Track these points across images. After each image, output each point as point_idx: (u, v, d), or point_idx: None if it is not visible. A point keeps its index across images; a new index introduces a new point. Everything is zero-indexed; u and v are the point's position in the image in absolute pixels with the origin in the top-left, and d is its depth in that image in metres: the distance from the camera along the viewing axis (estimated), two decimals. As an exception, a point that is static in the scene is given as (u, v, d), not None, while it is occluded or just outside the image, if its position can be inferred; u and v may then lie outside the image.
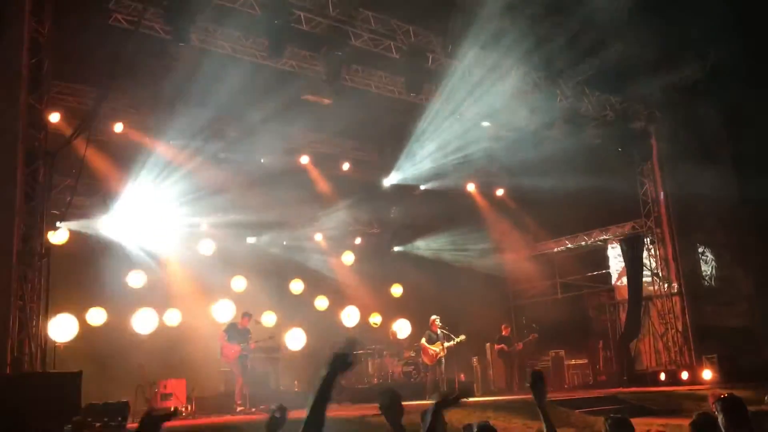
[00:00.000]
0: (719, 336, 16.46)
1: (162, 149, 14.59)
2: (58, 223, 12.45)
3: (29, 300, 9.84)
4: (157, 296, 15.31)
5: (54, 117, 12.04)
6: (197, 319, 15.51)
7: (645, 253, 17.57)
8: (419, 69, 13.74)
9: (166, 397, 13.03)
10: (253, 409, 12.69)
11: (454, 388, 14.44)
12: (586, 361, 17.79)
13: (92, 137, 12.18)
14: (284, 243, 17.67)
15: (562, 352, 17.92)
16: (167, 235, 15.66)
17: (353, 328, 17.76)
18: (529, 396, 3.83)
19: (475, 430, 3.47)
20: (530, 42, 13.59)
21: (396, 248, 19.95)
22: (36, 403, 8.59)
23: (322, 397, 2.71)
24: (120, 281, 15.02)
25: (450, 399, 3.34)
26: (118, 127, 14.04)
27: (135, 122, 14.38)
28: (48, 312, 10.44)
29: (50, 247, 10.67)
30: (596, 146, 16.71)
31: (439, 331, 14.38)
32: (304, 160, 17.09)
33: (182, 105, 13.94)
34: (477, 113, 15.48)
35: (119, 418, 9.22)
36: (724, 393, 4.43)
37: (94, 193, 14.99)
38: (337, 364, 2.75)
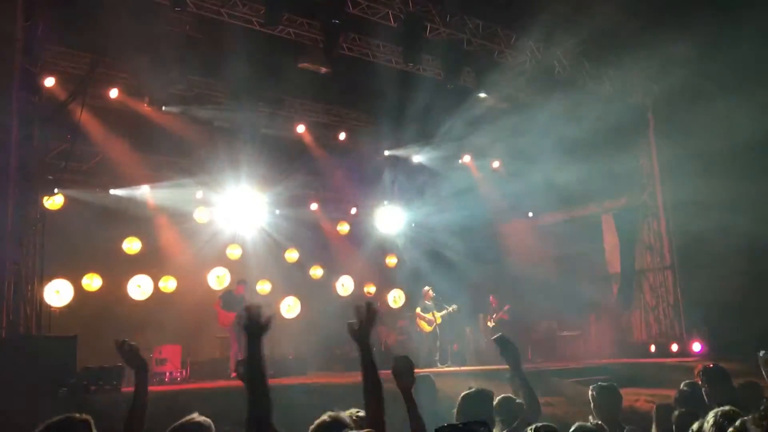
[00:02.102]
0: (710, 310, 16.57)
1: (157, 115, 14.54)
2: (56, 190, 12.45)
3: (24, 264, 9.87)
4: (152, 262, 15.37)
5: (49, 81, 11.94)
6: (193, 286, 15.57)
7: (639, 227, 17.62)
8: (417, 38, 13.59)
9: (161, 362, 13.18)
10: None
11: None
12: (578, 332, 17.94)
13: (87, 102, 12.11)
14: (276, 212, 17.62)
15: (554, 324, 18.07)
16: (164, 201, 15.66)
17: (347, 297, 17.86)
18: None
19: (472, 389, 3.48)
20: (529, 11, 13.47)
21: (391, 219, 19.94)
22: (32, 366, 8.67)
23: (255, 369, 2.67)
24: (116, 247, 15.06)
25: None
26: (114, 93, 13.94)
27: (130, 88, 14.27)
28: (43, 277, 10.48)
29: (45, 212, 10.67)
30: (593, 119, 16.63)
31: (432, 302, 14.49)
32: (300, 129, 16.96)
33: (178, 71, 13.83)
34: (474, 85, 15.37)
35: (114, 382, 9.34)
36: (711, 364, 4.51)
37: (90, 159, 14.93)
38: (251, 330, 2.75)
